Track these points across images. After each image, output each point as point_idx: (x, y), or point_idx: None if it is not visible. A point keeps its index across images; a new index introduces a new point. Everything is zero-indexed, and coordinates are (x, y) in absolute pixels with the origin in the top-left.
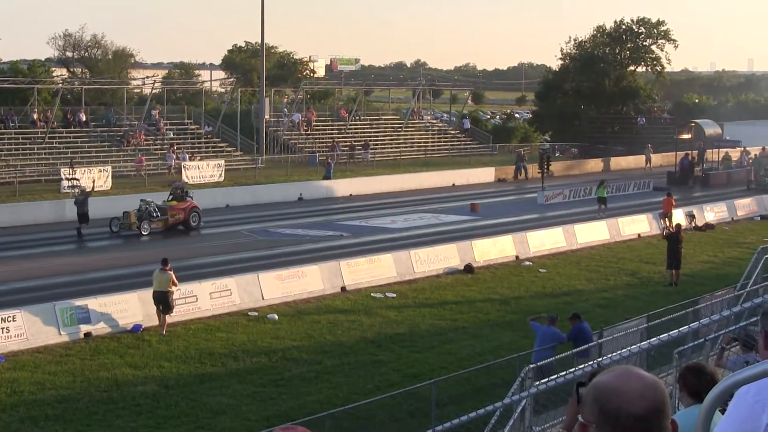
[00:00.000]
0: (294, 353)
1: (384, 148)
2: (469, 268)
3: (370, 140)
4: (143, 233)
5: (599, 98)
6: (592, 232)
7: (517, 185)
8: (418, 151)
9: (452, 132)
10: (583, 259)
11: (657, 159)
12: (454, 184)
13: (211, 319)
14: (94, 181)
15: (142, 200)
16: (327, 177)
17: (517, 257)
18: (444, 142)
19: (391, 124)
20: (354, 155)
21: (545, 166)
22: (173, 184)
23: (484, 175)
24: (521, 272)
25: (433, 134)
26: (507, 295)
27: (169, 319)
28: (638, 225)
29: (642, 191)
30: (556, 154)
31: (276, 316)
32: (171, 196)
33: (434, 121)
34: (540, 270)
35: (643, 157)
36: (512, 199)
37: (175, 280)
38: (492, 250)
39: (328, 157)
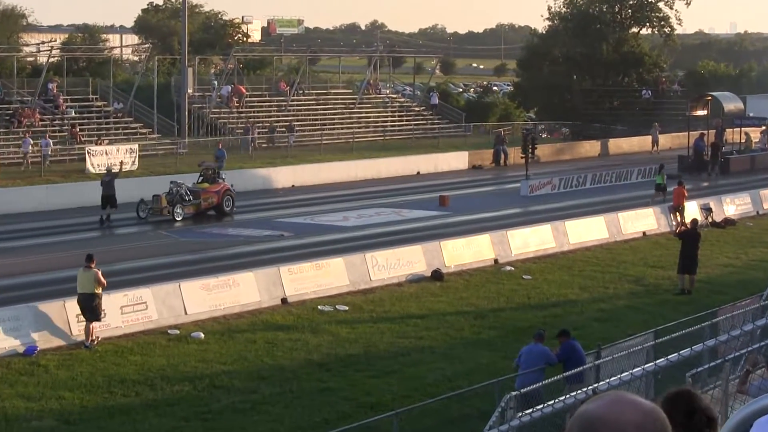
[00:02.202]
0: (224, 380)
1: (333, 129)
2: (437, 275)
3: (318, 118)
4: (177, 219)
5: (595, 67)
6: (587, 230)
7: (496, 173)
8: (375, 133)
9: (416, 109)
10: (577, 263)
11: (666, 140)
12: (419, 173)
13: (123, 338)
14: (122, 163)
15: (172, 182)
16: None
17: (495, 261)
18: (407, 121)
19: (342, 99)
20: (274, 139)
21: (530, 150)
22: (203, 164)
23: (456, 161)
24: (501, 279)
25: (393, 112)
26: (483, 307)
27: (80, 334)
28: (643, 221)
29: (648, 180)
30: (543, 135)
31: (202, 335)
32: (201, 178)
33: (395, 96)
34: (524, 276)
35: (649, 138)
36: (490, 190)
37: (102, 280)
38: (465, 252)
39: (219, 143)
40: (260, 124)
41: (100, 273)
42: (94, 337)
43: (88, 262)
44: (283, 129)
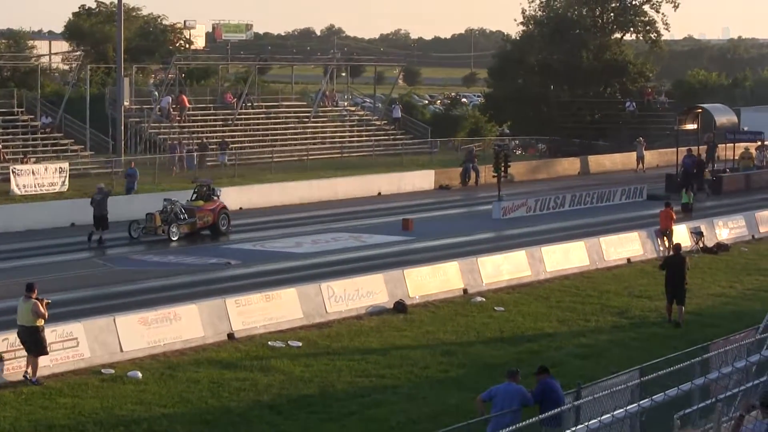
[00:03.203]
0: (164, 424)
1: (285, 146)
2: (400, 307)
3: (269, 134)
4: (172, 238)
5: (574, 76)
6: (566, 257)
7: (466, 194)
8: (332, 149)
9: (377, 123)
10: (554, 293)
11: (652, 157)
12: (380, 193)
13: (51, 378)
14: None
15: (166, 200)
16: (129, 189)
17: (465, 291)
18: (366, 136)
19: (295, 112)
20: (206, 157)
21: (502, 168)
22: (197, 180)
23: (421, 180)
24: (471, 311)
25: (351, 126)
26: (452, 342)
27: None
28: (628, 246)
29: (632, 201)
30: (517, 152)
31: (140, 374)
32: (195, 195)
33: (353, 109)
34: (496, 308)
35: (634, 154)
36: (459, 213)
37: (41, 311)
38: (431, 281)
39: (132, 162)
40: (205, 141)
41: (40, 304)
42: (30, 373)
43: (28, 292)
44: (215, 146)
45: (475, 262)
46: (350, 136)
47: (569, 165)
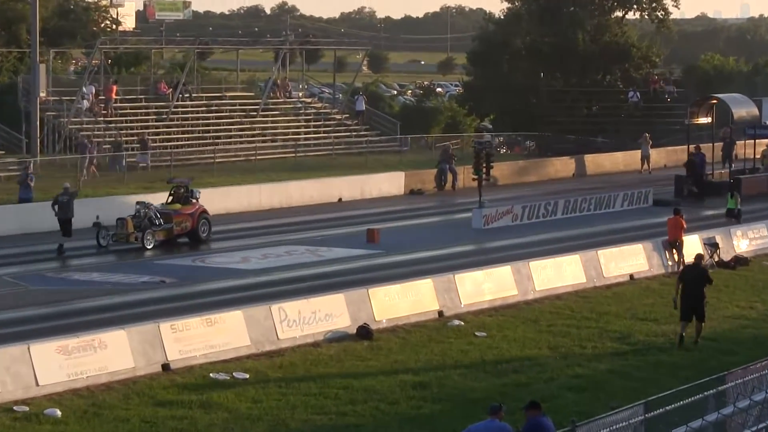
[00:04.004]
0: None
1: (230, 144)
2: (364, 332)
3: (210, 129)
4: (147, 246)
5: (568, 62)
6: (558, 274)
7: (441, 200)
8: (285, 148)
9: (338, 117)
10: (545, 316)
11: (659, 156)
12: (341, 199)
13: None
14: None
15: (139, 203)
16: (24, 199)
17: (440, 313)
18: (325, 132)
19: (241, 104)
20: (117, 159)
21: (484, 170)
22: (173, 181)
23: (389, 184)
24: (447, 337)
25: (307, 121)
26: (425, 373)
27: None
28: (630, 261)
29: (636, 207)
30: (502, 151)
31: (59, 412)
32: (172, 197)
33: (309, 100)
34: (477, 333)
35: (638, 153)
36: (433, 222)
37: None
38: (401, 302)
39: (27, 166)
40: (118, 139)
41: None
42: None
43: None
44: (134, 144)
45: (452, 279)
46: (306, 133)
47: (562, 166)
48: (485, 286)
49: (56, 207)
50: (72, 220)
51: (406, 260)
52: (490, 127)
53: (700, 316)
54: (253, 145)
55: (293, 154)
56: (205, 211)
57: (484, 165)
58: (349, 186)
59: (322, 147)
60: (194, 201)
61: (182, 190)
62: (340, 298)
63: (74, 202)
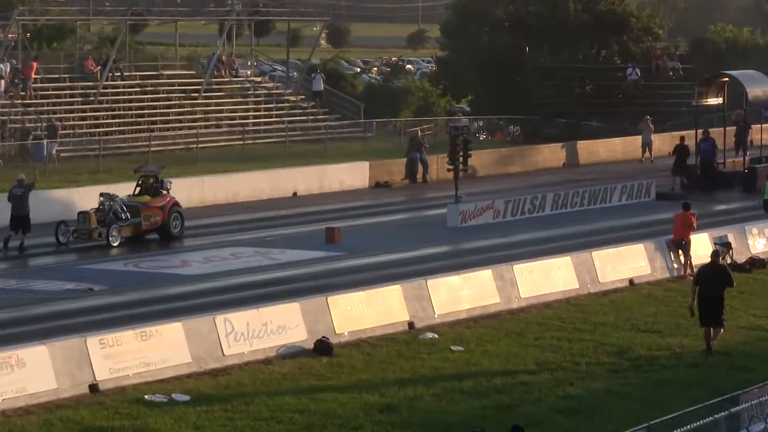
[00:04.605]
0: None
1: (167, 130)
2: (323, 347)
3: (145, 113)
4: (113, 244)
5: (558, 35)
6: (547, 279)
7: (411, 194)
8: (231, 135)
9: (292, 98)
10: (531, 327)
11: (662, 143)
12: (295, 194)
13: None
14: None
15: (103, 195)
16: None
17: (411, 325)
18: (277, 116)
19: (181, 84)
20: (30, 151)
21: (461, 159)
22: (141, 170)
23: (351, 175)
24: (419, 352)
25: (257, 103)
26: (393, 394)
27: None
28: (630, 263)
29: (636, 202)
30: (481, 137)
31: None
32: (140, 188)
33: (258, 80)
34: (453, 347)
35: (638, 139)
36: (402, 220)
37: None
38: (365, 312)
39: None
40: (56, 122)
41: None
42: None
43: None
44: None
45: (425, 285)
46: (255, 117)
47: (551, 154)
48: (463, 294)
49: (11, 201)
50: (29, 215)
51: (372, 264)
52: (468, 109)
53: (717, 321)
54: (195, 131)
55: (240, 142)
56: (177, 204)
57: (461, 153)
58: (306, 178)
59: (274, 133)
60: (165, 192)
61: (151, 181)
62: (295, 308)
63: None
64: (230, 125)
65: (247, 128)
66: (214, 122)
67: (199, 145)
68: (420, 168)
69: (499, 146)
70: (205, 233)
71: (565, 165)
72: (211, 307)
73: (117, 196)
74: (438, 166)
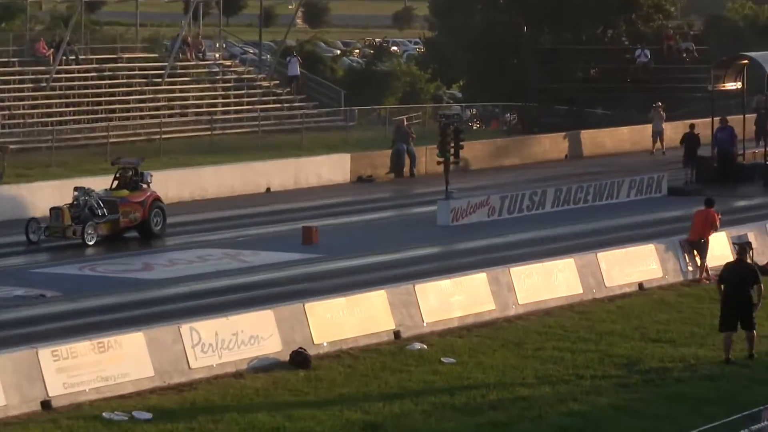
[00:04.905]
0: None
1: (128, 119)
2: (300, 359)
3: (102, 101)
4: (88, 242)
5: (559, 13)
6: (548, 283)
7: (397, 189)
8: (197, 124)
9: (265, 84)
10: (531, 337)
11: (675, 132)
12: (269, 189)
13: None
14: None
15: (78, 189)
16: None
17: (397, 334)
18: (248, 104)
19: (142, 68)
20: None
21: (452, 151)
22: (119, 161)
23: (331, 169)
24: (406, 364)
25: (226, 89)
26: (377, 411)
27: None
28: (639, 265)
29: (646, 197)
30: (475, 126)
31: None
32: (117, 182)
33: (228, 63)
34: (443, 359)
35: (648, 128)
36: (387, 218)
37: None
38: (347, 321)
39: None
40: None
41: None
42: None
43: None
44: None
45: (412, 291)
46: (224, 105)
47: (552, 145)
48: (454, 299)
49: None
50: None
51: (353, 267)
52: (460, 95)
53: (747, 324)
54: (158, 120)
55: (208, 132)
56: (158, 199)
57: (452, 144)
58: (280, 172)
59: (245, 123)
60: (145, 186)
61: (130, 173)
62: (268, 316)
63: None
64: (197, 114)
65: (215, 117)
66: (178, 110)
67: (163, 136)
68: (407, 161)
69: (494, 136)
70: (170, 233)
71: (567, 157)
72: (176, 315)
73: (93, 191)
74: (427, 158)
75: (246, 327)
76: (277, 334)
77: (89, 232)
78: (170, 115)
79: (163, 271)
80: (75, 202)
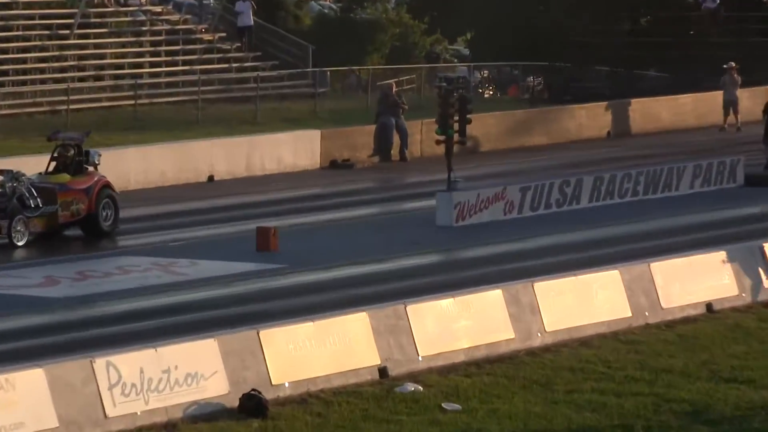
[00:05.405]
0: None
1: (24, 85)
2: (253, 404)
3: None
4: (17, 243)
5: None
6: (584, 302)
7: (384, 177)
8: (118, 93)
9: (207, 37)
10: (562, 375)
11: (753, 102)
12: (212, 178)
13: None
14: None
15: (3, 173)
16: None
17: (383, 371)
18: (186, 64)
19: (44, 18)
20: None
21: (456, 126)
22: (57, 135)
23: (295, 150)
24: (395, 412)
25: (155, 44)
26: None
27: None
28: (708, 280)
29: (716, 189)
30: (486, 94)
31: None
32: (55, 163)
33: (158, 10)
34: (445, 406)
35: (719, 96)
36: (370, 216)
37: None
38: (316, 354)
39: None
40: None
41: None
42: None
43: None
44: None
45: (403, 313)
46: (153, 65)
47: (590, 119)
48: (460, 325)
49: None
50: None
51: (325, 281)
52: (467, 53)
53: None
54: (64, 86)
55: (131, 102)
56: (108, 185)
57: (457, 118)
58: (228, 155)
59: (180, 89)
60: (91, 169)
61: (72, 152)
62: (211, 347)
63: None
64: (116, 77)
65: (140, 81)
66: (92, 72)
67: (71, 106)
68: (396, 139)
69: (512, 107)
70: (80, 236)
71: (610, 134)
72: (87, 345)
73: (23, 175)
74: (422, 136)
75: (181, 362)
76: (222, 372)
77: (18, 228)
78: (81, 79)
79: (70, 287)
80: (1, 190)
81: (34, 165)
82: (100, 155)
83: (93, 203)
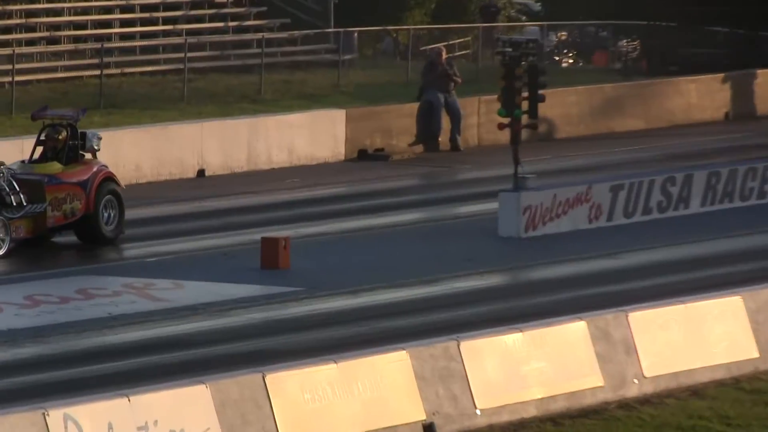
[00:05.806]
0: None
1: None
2: None
3: None
4: None
5: None
6: (694, 339)
7: (428, 171)
8: (79, 61)
9: None
10: None
11: None
12: (203, 172)
13: None
14: None
15: None
16: None
17: (429, 429)
18: (168, 24)
19: None
20: None
21: (524, 105)
22: (44, 113)
23: (312, 137)
24: None
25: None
26: None
27: None
28: None
29: None
30: (565, 62)
31: None
32: (43, 148)
33: None
34: None
35: None
36: (410, 223)
37: None
38: (341, 405)
39: None
40: None
41: None
42: None
43: None
44: None
45: (456, 352)
46: (124, 24)
47: (703, 95)
48: (530, 368)
49: None
50: None
51: (350, 309)
52: (538, 8)
53: None
54: (8, 51)
55: (97, 71)
56: (110, 177)
57: (526, 94)
58: (223, 143)
59: (161, 55)
60: (89, 157)
61: (63, 134)
62: (201, 395)
63: None
64: (76, 40)
65: (107, 46)
66: (44, 34)
67: (16, 78)
68: (446, 123)
69: (599, 80)
70: (34, 251)
71: (728, 116)
72: (41, 392)
73: (2, 164)
74: (480, 118)
75: (162, 415)
76: (217, 428)
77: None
78: (29, 42)
79: (18, 317)
80: None
81: (9, 150)
82: (100, 138)
83: (92, 201)
